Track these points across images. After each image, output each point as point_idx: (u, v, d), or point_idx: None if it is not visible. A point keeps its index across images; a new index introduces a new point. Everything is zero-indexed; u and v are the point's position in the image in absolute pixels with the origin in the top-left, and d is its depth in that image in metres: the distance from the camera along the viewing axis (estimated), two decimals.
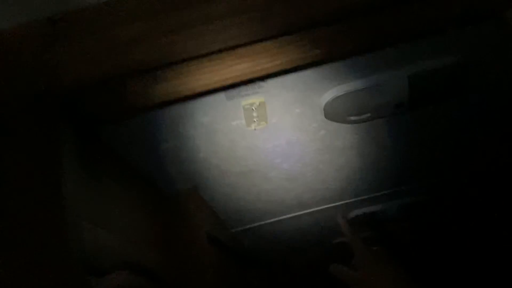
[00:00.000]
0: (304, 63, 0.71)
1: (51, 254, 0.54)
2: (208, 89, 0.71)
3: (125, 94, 0.72)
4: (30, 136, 0.59)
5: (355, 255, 1.10)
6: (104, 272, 0.67)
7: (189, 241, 1.08)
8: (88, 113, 0.71)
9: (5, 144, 0.56)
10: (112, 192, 0.82)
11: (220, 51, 0.65)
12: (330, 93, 0.89)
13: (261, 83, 0.83)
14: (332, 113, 0.92)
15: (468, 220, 1.56)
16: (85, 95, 0.68)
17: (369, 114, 0.93)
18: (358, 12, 0.65)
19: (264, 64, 0.69)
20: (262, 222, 1.37)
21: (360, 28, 0.71)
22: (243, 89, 0.84)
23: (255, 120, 0.93)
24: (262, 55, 0.68)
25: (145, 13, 0.64)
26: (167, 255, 1.03)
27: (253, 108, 0.90)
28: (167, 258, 1.02)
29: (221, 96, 0.85)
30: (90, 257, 0.62)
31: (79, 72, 0.65)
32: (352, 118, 0.94)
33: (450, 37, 0.81)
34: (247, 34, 0.63)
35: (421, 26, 0.73)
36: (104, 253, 0.68)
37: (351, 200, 1.35)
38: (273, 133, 0.99)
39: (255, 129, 0.96)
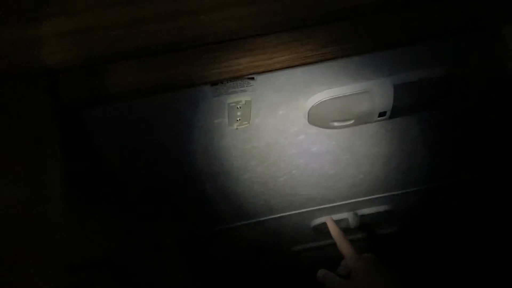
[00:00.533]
0: (314, 60, 0.69)
1: (31, 249, 0.49)
2: (204, 81, 0.68)
3: (111, 78, 0.68)
4: (11, 119, 0.54)
5: (346, 261, 1.09)
6: (80, 270, 0.62)
7: (157, 244, 1.04)
8: (70, 97, 0.66)
9: None
10: (88, 187, 0.77)
11: (223, 41, 0.63)
12: (317, 97, 0.88)
13: (251, 81, 0.81)
14: (315, 117, 0.92)
15: (450, 228, 1.60)
16: (70, 76, 0.63)
17: (352, 121, 0.93)
18: (363, 11, 0.64)
19: (266, 60, 0.67)
20: (229, 225, 1.34)
21: (373, 26, 0.70)
22: (230, 86, 0.81)
23: (238, 119, 0.90)
24: (266, 50, 0.66)
25: None
26: (136, 253, 0.98)
27: (238, 107, 0.87)
28: (136, 256, 0.97)
29: (206, 91, 0.82)
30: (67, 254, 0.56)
31: (65, 50, 0.60)
32: (335, 123, 0.94)
33: (441, 48, 0.82)
34: (254, 27, 0.61)
35: (416, 33, 0.74)
36: (79, 250, 0.63)
37: (317, 207, 1.35)
38: (254, 134, 0.97)
39: (236, 129, 0.93)
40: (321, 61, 0.74)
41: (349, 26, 0.68)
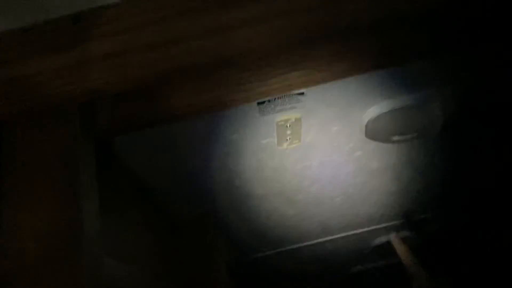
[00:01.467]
0: (369, 69, 0.62)
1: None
2: (250, 101, 0.62)
3: (151, 103, 0.63)
4: (45, 152, 0.50)
5: (418, 282, 1.00)
6: None
7: (206, 272, 0.98)
8: (108, 122, 0.62)
9: (19, 163, 0.46)
10: (129, 218, 0.73)
11: (269, 56, 0.56)
12: (374, 110, 0.80)
13: (300, 97, 0.75)
14: (373, 131, 0.84)
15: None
16: (107, 101, 0.59)
17: (415, 134, 0.84)
18: (417, 17, 0.57)
19: (318, 73, 0.60)
20: (281, 249, 1.27)
21: (412, 36, 0.62)
22: (279, 103, 0.75)
23: (288, 138, 0.84)
24: (317, 62, 0.59)
25: (180, 12, 0.56)
26: (183, 285, 0.92)
27: (288, 125, 0.81)
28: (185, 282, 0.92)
29: (254, 110, 0.76)
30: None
31: (102, 76, 0.55)
32: (395, 138, 0.85)
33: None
34: (300, 39, 0.54)
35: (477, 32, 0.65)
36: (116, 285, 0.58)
37: (377, 226, 1.26)
38: (305, 153, 0.90)
39: (286, 148, 0.86)
40: (377, 69, 0.67)
41: (404, 32, 0.60)
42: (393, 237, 1.09)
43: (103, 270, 0.56)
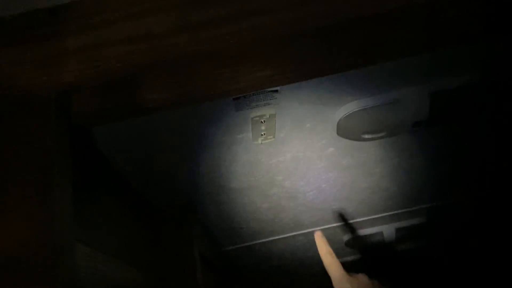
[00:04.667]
0: (340, 69, 0.64)
1: (41, 284, 0.45)
2: (225, 95, 0.64)
3: (126, 96, 0.64)
4: (19, 142, 0.51)
5: (332, 281, 0.98)
6: None
7: (181, 262, 1.00)
8: (83, 114, 0.63)
9: None
10: (105, 206, 0.74)
11: (244, 53, 0.58)
12: (346, 108, 0.82)
13: (274, 94, 0.77)
14: (345, 129, 0.86)
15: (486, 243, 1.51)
16: (82, 93, 0.60)
17: (384, 132, 0.87)
18: (384, 18, 0.59)
19: (290, 72, 0.62)
20: (255, 242, 1.29)
21: (387, 34, 0.65)
22: (254, 99, 0.77)
23: (262, 133, 0.86)
24: (289, 61, 0.61)
25: (158, 7, 0.57)
26: (158, 277, 0.94)
27: (262, 121, 0.83)
28: (158, 280, 0.94)
29: (230, 106, 0.77)
30: (84, 285, 0.53)
31: (79, 68, 0.57)
32: (366, 136, 0.88)
33: (476, 52, 0.76)
34: (275, 37, 0.56)
35: (447, 36, 0.67)
36: (97, 279, 0.60)
37: (350, 222, 1.29)
38: (279, 148, 0.92)
39: (261, 143, 0.89)
40: (348, 69, 0.69)
41: (374, 32, 0.63)
42: (317, 234, 1.03)
43: (78, 258, 0.57)
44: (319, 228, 1.28)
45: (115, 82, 0.63)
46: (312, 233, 1.31)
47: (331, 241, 1.37)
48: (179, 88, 0.67)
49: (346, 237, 1.38)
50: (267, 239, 1.29)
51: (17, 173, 0.49)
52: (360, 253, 1.46)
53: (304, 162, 0.98)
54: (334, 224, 1.29)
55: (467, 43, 0.72)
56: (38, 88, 0.54)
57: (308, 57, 0.62)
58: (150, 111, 0.69)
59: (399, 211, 1.30)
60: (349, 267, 1.52)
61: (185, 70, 0.64)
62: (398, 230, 1.41)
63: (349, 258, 1.51)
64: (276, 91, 0.76)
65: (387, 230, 1.40)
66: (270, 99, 0.78)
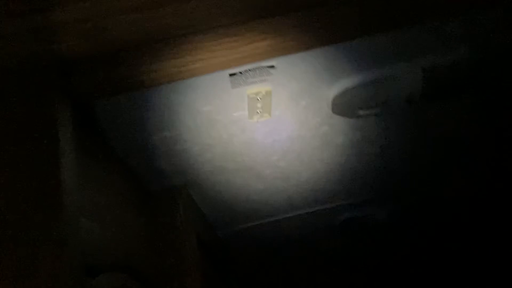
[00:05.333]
0: (334, 41, 0.65)
1: (48, 252, 0.46)
2: (223, 68, 0.64)
3: (125, 68, 0.64)
4: (22, 112, 0.51)
5: None
6: (99, 272, 0.59)
7: (178, 243, 1.00)
8: (84, 87, 0.62)
9: None
10: (105, 183, 0.74)
11: (240, 24, 0.59)
12: (341, 85, 0.83)
13: (270, 70, 0.77)
14: (340, 106, 0.87)
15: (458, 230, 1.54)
16: (82, 66, 0.60)
17: (379, 109, 0.88)
18: None
19: (289, 41, 0.63)
20: (251, 224, 1.30)
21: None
22: (250, 75, 0.77)
23: (258, 111, 0.86)
24: (285, 31, 0.61)
25: None
26: (156, 256, 0.95)
27: (258, 98, 0.83)
28: (156, 259, 0.94)
29: (225, 82, 0.78)
30: (87, 255, 0.53)
31: (77, 40, 0.56)
32: (361, 112, 0.89)
33: (469, 27, 0.77)
34: (270, 7, 0.57)
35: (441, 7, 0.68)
36: (98, 251, 0.60)
37: (344, 203, 1.30)
38: (275, 127, 0.93)
39: (257, 122, 0.89)
40: (342, 41, 0.70)
41: (370, 4, 0.63)
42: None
43: (83, 234, 0.57)
44: (312, 209, 1.29)
45: (115, 54, 0.63)
46: (305, 214, 1.32)
47: (324, 223, 1.39)
48: (170, 61, 0.66)
49: (339, 218, 1.39)
50: (262, 221, 1.30)
51: (26, 132, 0.49)
52: (353, 235, 1.48)
53: (299, 141, 0.99)
54: (328, 206, 1.30)
55: (457, 16, 0.73)
56: (39, 59, 0.54)
57: (307, 27, 0.62)
58: (149, 85, 0.69)
59: (393, 192, 1.32)
60: (341, 249, 1.55)
61: (179, 43, 0.64)
62: (391, 212, 1.43)
63: (342, 240, 1.52)
64: (272, 66, 0.76)
65: (381, 212, 1.42)
66: (267, 75, 0.78)
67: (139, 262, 0.83)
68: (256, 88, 0.81)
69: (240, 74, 0.77)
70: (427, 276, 1.64)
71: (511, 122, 1.03)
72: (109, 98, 0.69)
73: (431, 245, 1.61)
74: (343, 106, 0.87)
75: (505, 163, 1.20)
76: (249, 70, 0.76)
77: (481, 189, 1.35)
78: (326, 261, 1.51)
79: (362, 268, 1.53)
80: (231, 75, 0.77)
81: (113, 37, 0.58)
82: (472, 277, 1.59)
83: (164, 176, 1.01)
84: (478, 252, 1.58)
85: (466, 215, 1.49)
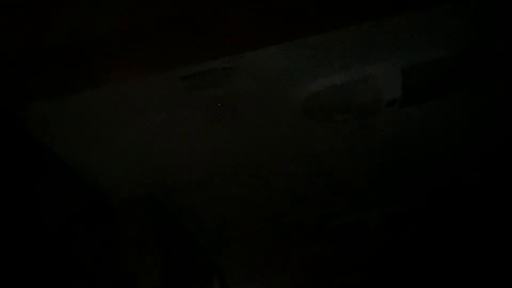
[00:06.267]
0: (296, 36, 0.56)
1: None
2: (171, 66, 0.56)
3: (72, 69, 0.56)
4: None
5: None
6: None
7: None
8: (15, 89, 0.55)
9: None
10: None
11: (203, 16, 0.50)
12: (312, 87, 0.74)
13: (227, 71, 0.68)
14: (312, 110, 0.78)
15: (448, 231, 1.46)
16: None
17: (356, 113, 0.79)
18: None
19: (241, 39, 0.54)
20: (224, 234, 1.22)
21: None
22: (204, 78, 0.68)
23: (219, 116, 0.77)
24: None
25: None
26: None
27: (219, 103, 0.74)
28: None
29: (177, 86, 0.69)
30: None
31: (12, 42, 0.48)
32: (337, 117, 0.79)
33: (449, 25, 0.67)
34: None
35: None
36: None
37: (329, 209, 1.22)
38: (243, 134, 0.84)
39: (222, 128, 0.80)
40: (305, 35, 0.61)
41: None
42: None
43: None
44: (290, 218, 1.20)
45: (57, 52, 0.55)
46: (288, 222, 1.24)
47: (312, 230, 1.30)
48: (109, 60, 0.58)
49: (327, 224, 1.31)
50: (237, 232, 1.21)
51: None
52: (343, 240, 1.40)
53: (271, 148, 0.90)
54: (309, 214, 1.21)
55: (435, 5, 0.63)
56: None
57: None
58: (97, 84, 0.61)
59: (381, 196, 1.23)
60: (331, 255, 1.47)
61: (127, 40, 0.55)
62: (381, 217, 1.34)
63: (331, 246, 1.44)
64: (228, 68, 0.67)
65: (371, 217, 1.33)
66: (224, 77, 0.69)
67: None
68: (217, 91, 0.72)
69: (193, 77, 0.68)
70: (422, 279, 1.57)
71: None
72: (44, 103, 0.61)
73: (423, 249, 1.54)
74: (315, 110, 0.77)
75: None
76: (203, 72, 0.67)
77: (472, 192, 1.26)
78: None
79: (353, 273, 1.46)
80: (182, 78, 0.68)
81: (56, 36, 0.50)
82: (467, 277, 1.52)
83: (123, 187, 0.92)
84: (473, 254, 1.51)
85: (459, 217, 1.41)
